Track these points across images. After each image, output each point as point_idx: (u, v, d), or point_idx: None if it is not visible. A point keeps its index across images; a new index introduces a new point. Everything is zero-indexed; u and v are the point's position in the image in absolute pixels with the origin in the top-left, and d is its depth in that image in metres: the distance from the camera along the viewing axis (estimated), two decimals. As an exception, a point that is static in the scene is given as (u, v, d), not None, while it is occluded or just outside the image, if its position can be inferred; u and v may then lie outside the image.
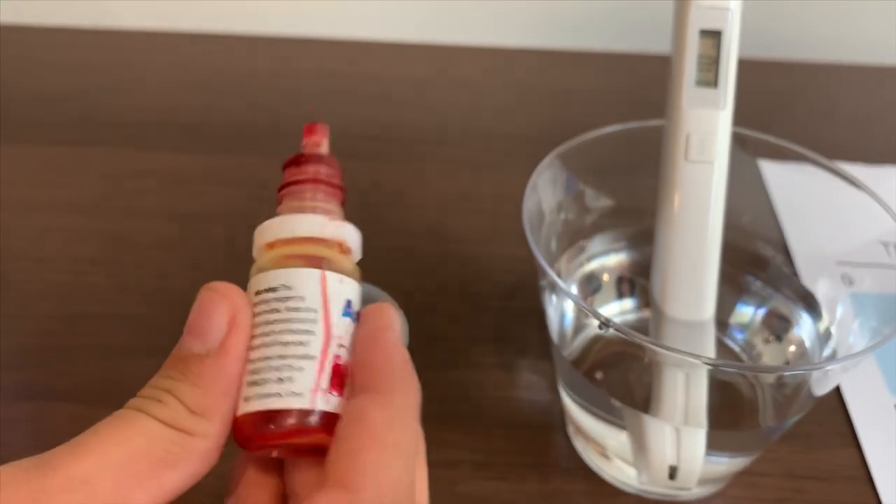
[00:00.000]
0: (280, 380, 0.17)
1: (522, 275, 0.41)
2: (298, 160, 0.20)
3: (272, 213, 0.48)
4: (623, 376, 0.32)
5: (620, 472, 0.31)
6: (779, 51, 0.59)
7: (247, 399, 0.18)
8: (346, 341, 0.18)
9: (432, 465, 0.32)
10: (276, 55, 0.58)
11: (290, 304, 0.18)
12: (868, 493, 0.32)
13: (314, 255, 0.19)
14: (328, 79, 0.56)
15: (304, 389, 0.17)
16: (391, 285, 0.34)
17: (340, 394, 0.18)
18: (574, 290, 0.35)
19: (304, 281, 0.18)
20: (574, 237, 0.35)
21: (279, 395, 0.17)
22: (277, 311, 0.18)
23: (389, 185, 0.46)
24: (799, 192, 0.34)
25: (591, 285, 0.35)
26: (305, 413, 0.17)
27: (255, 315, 0.18)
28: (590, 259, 0.35)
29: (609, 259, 0.36)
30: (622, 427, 0.30)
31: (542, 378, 0.36)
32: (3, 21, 0.59)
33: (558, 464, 0.32)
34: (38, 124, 0.50)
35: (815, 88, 0.58)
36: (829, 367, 0.28)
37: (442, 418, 0.34)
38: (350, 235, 0.19)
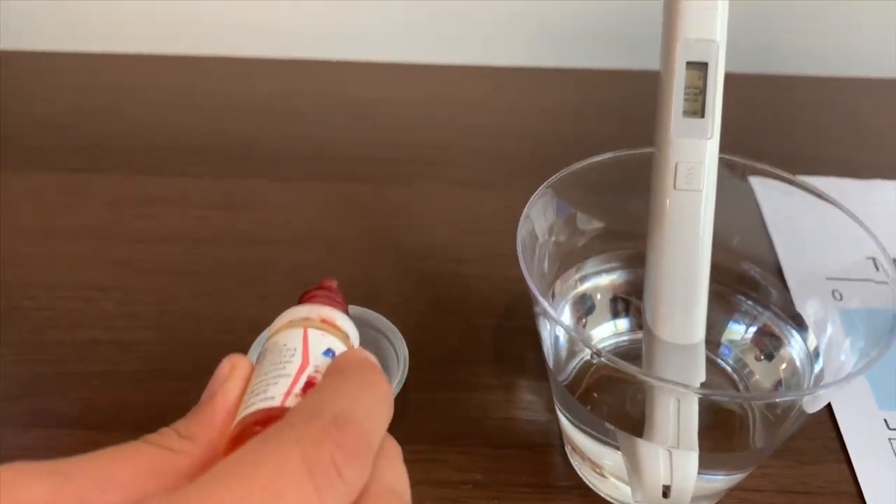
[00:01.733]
0: (258, 393, 0.20)
1: (519, 294, 0.41)
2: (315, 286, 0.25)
3: (278, 237, 0.48)
4: (617, 399, 0.33)
5: (616, 490, 0.32)
6: (768, 65, 0.60)
7: (236, 417, 0.20)
8: (325, 370, 0.21)
9: (433, 484, 0.33)
10: (279, 78, 0.58)
11: (279, 348, 0.21)
12: (858, 506, 0.33)
13: (302, 325, 0.22)
14: (329, 101, 0.56)
15: (276, 395, 0.20)
16: (390, 305, 0.35)
17: None
18: (568, 310, 0.35)
19: (291, 334, 0.22)
20: (567, 259, 0.35)
21: (255, 403, 0.20)
22: (270, 355, 0.21)
23: (388, 206, 0.47)
24: (789, 210, 0.34)
25: (584, 305, 0.36)
26: (275, 409, 0.20)
27: (257, 366, 0.21)
28: (583, 279, 0.36)
29: (602, 279, 0.36)
30: (617, 447, 0.31)
31: (539, 398, 0.37)
32: (8, 47, 0.60)
33: (556, 482, 0.33)
34: (44, 150, 0.51)
35: (804, 102, 0.58)
36: (820, 392, 0.29)
37: (442, 438, 0.35)
38: (336, 317, 0.23)
